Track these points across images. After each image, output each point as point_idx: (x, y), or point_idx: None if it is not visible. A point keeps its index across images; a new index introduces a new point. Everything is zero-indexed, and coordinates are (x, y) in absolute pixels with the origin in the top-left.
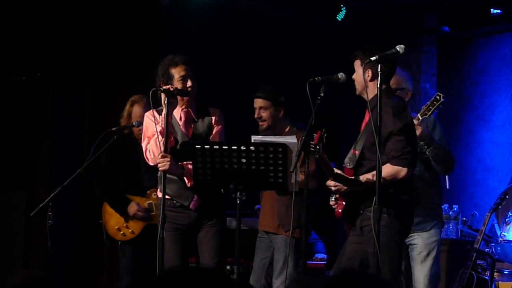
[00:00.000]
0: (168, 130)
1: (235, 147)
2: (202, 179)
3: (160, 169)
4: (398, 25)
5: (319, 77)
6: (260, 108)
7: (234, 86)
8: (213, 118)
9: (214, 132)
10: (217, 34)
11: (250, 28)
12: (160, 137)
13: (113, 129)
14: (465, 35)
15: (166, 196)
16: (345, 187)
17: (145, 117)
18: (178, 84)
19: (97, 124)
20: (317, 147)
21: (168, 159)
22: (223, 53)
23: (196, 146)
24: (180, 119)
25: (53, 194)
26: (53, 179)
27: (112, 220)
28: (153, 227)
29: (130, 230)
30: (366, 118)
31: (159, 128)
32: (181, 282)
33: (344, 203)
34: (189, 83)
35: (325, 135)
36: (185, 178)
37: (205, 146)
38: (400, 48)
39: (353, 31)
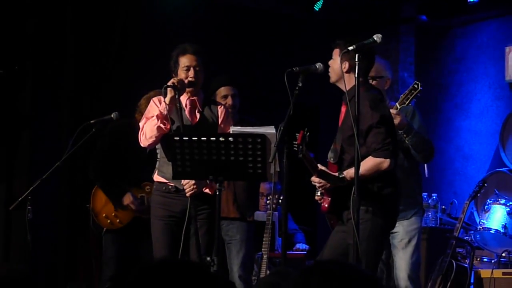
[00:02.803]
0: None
1: (214, 139)
2: (181, 171)
3: (188, 194)
4: (375, 15)
5: (297, 68)
6: (234, 95)
7: (214, 79)
8: (219, 111)
9: (223, 126)
10: (196, 28)
11: (228, 20)
12: (156, 120)
13: (91, 121)
14: (443, 24)
15: (162, 180)
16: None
17: (151, 101)
18: (181, 73)
19: (76, 117)
20: (300, 147)
21: (193, 182)
22: (202, 47)
23: (175, 138)
24: (186, 106)
25: (32, 187)
26: (32, 172)
27: (100, 206)
28: (141, 219)
29: (118, 220)
30: (343, 110)
31: (156, 112)
32: (157, 276)
33: (330, 198)
34: (191, 74)
35: (308, 134)
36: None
37: (184, 138)
38: (377, 37)
39: (330, 21)
